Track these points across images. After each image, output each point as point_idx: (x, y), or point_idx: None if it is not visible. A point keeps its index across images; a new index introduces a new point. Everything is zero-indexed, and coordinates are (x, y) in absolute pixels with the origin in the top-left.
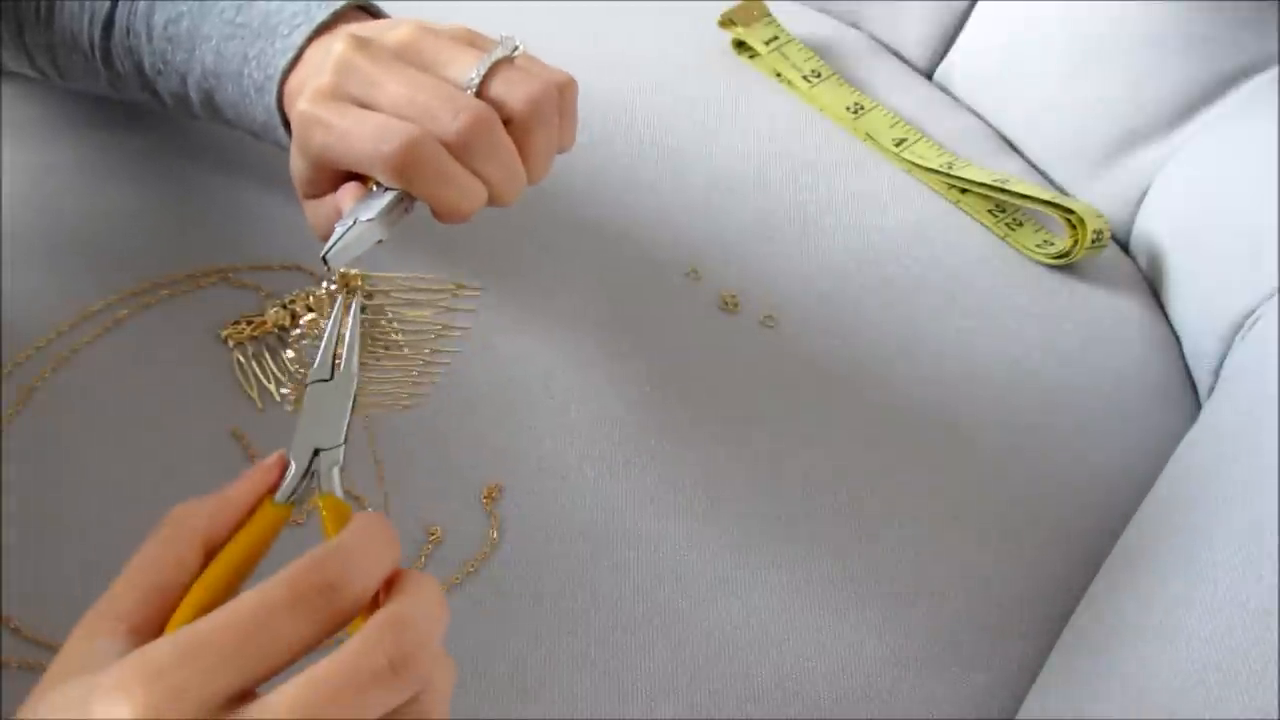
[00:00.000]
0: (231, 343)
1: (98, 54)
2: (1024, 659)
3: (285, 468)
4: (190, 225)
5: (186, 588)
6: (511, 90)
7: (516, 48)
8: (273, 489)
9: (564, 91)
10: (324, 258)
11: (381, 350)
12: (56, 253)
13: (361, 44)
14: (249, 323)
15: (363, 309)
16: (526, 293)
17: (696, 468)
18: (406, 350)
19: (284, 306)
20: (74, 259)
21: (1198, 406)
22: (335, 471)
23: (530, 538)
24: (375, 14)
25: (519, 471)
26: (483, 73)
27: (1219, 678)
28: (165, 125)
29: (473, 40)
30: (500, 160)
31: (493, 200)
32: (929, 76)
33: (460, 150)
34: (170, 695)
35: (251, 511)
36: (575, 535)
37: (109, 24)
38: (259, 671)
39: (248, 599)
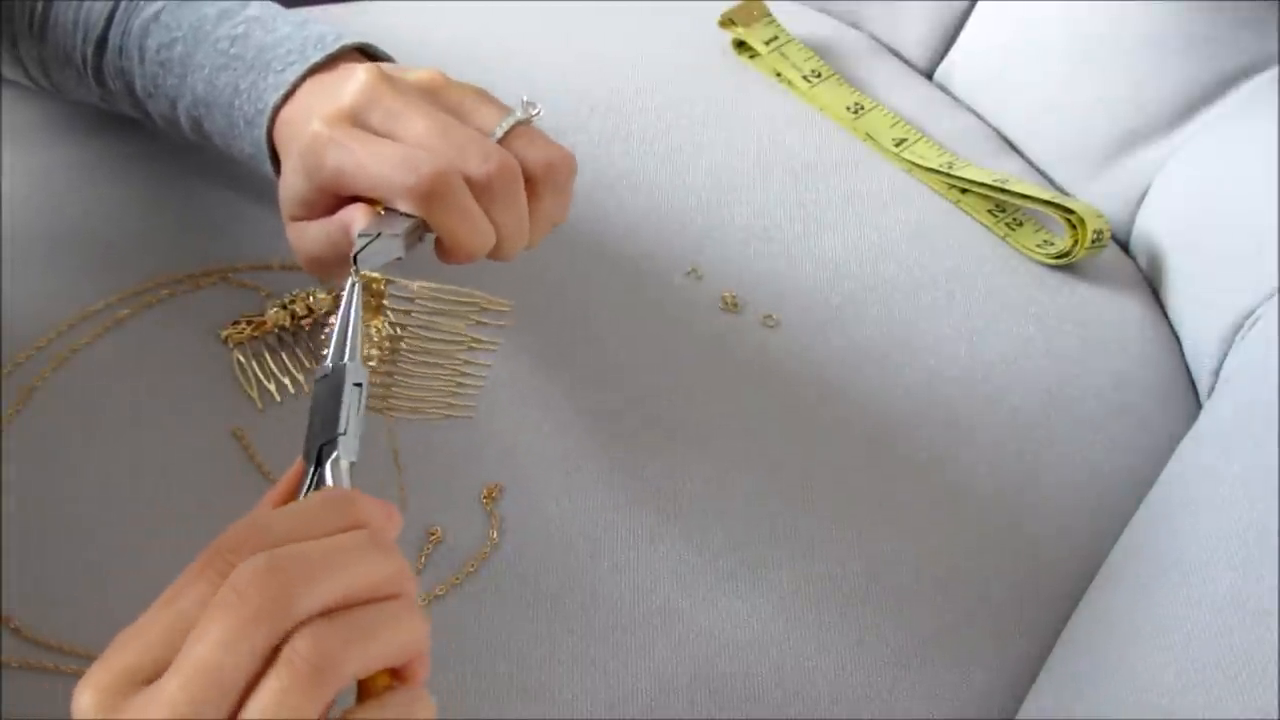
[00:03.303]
0: (231, 343)
1: (90, 71)
2: (1024, 658)
3: (305, 470)
4: (190, 225)
5: None
6: (532, 150)
7: (537, 112)
8: (296, 493)
9: (570, 167)
10: (354, 257)
11: (410, 355)
12: (56, 253)
13: (386, 77)
14: (249, 323)
15: (382, 308)
16: (527, 292)
17: (697, 467)
18: (421, 357)
19: (284, 306)
20: (74, 259)
21: (1198, 406)
22: (343, 465)
23: (530, 538)
24: (375, 57)
25: (519, 471)
26: (506, 128)
27: (1219, 678)
28: None
29: (489, 98)
30: (517, 211)
31: (496, 250)
32: (929, 76)
33: (483, 191)
34: (106, 671)
35: None
36: (575, 535)
37: (102, 43)
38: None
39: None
